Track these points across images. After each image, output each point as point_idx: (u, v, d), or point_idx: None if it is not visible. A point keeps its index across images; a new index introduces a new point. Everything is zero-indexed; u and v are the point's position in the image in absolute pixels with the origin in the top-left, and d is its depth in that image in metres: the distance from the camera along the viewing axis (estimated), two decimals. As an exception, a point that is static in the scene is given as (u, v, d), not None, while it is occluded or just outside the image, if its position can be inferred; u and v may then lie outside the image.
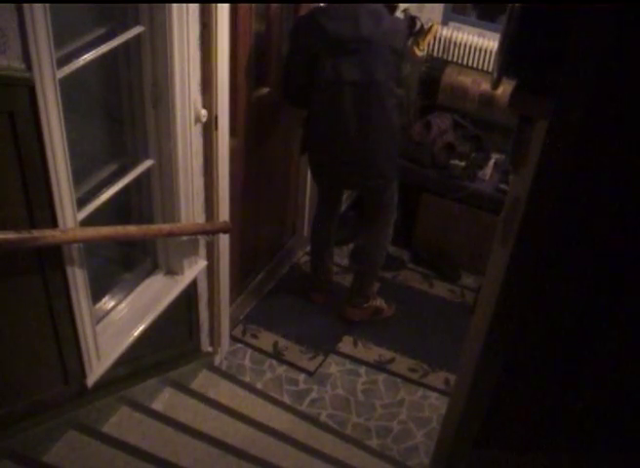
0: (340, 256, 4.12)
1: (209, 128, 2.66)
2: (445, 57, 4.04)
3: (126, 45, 2.30)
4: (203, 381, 3.29)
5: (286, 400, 3.34)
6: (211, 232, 2.91)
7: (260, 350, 3.57)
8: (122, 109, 2.49)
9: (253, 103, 3.17)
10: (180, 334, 3.11)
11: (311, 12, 3.10)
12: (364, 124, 3.15)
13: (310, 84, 3.14)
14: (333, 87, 3.10)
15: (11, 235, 1.96)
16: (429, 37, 3.89)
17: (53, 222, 2.09)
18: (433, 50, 4.04)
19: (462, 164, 3.88)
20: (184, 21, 2.30)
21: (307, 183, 3.91)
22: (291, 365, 3.51)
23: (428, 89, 4.04)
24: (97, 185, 2.41)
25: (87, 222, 2.28)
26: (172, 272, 2.88)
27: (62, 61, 2.00)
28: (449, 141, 3.89)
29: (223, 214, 2.95)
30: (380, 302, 3.78)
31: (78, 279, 2.27)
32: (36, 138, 1.92)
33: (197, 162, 2.68)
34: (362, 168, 3.29)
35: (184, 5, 2.28)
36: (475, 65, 3.97)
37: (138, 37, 2.30)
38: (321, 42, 3.04)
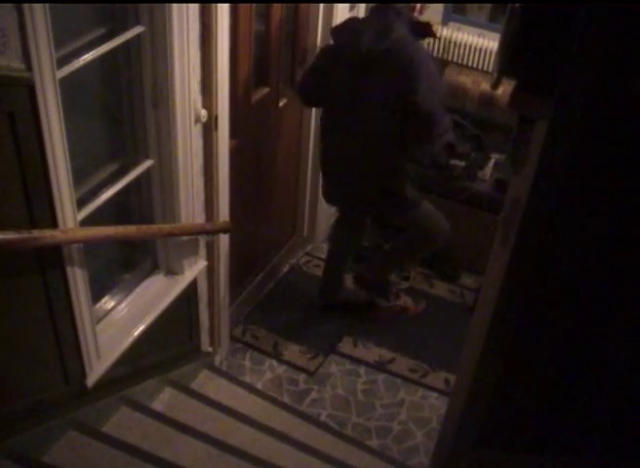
0: (340, 256, 4.12)
1: (209, 128, 2.66)
2: (445, 57, 4.04)
3: (126, 45, 2.30)
4: (203, 381, 3.29)
5: (286, 400, 3.34)
6: (211, 232, 2.91)
7: (260, 350, 3.57)
8: (122, 109, 2.49)
9: (253, 103, 3.17)
10: (180, 334, 3.11)
11: (343, 21, 3.11)
12: (351, 142, 3.11)
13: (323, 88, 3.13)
14: (332, 97, 3.09)
15: (11, 235, 1.96)
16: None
17: (53, 222, 2.09)
18: (433, 50, 4.04)
19: (462, 164, 3.88)
20: (184, 21, 2.30)
21: (307, 183, 3.91)
22: (291, 365, 3.51)
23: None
24: (97, 185, 2.41)
25: (87, 222, 2.28)
26: (172, 272, 2.88)
27: (62, 61, 2.01)
28: (449, 141, 3.88)
29: (223, 214, 2.95)
30: (404, 301, 3.78)
31: (78, 279, 2.27)
32: (36, 138, 1.92)
33: (197, 162, 2.68)
34: (346, 186, 3.29)
35: (184, 5, 2.28)
36: (475, 65, 3.97)
37: (138, 37, 2.30)
38: (330, 55, 3.04)
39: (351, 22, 3.05)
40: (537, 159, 1.12)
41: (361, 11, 3.61)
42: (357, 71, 2.95)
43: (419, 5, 3.06)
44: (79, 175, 2.23)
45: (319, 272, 4.00)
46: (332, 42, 3.10)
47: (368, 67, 2.93)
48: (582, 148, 1.09)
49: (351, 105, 3.02)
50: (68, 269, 2.22)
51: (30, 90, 1.84)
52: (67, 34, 2.09)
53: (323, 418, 3.29)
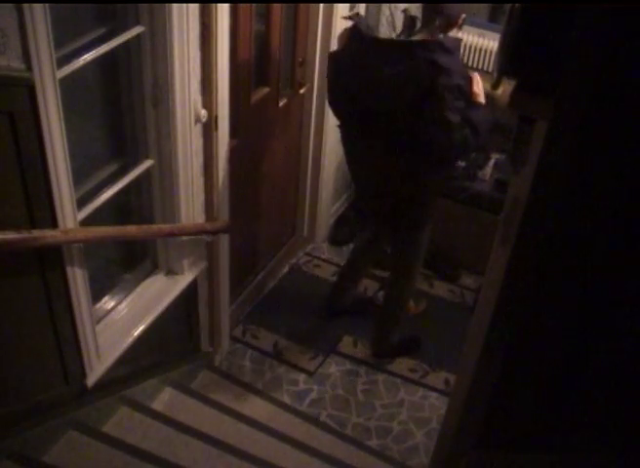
0: (341, 257, 4.11)
1: (209, 128, 2.66)
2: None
3: (126, 45, 2.30)
4: (203, 381, 3.29)
5: (286, 400, 3.34)
6: (211, 232, 2.91)
7: (260, 350, 3.57)
8: (122, 110, 2.49)
9: (253, 103, 3.17)
10: (179, 334, 3.12)
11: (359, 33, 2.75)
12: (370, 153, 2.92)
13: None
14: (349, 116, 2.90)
15: (11, 235, 1.96)
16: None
17: (53, 222, 2.09)
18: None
19: (462, 164, 3.88)
20: (184, 21, 2.30)
21: (307, 183, 3.91)
22: (291, 365, 3.51)
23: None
24: (97, 185, 2.42)
25: (87, 222, 2.28)
26: (172, 272, 2.88)
27: (62, 61, 2.01)
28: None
29: (223, 214, 2.95)
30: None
31: (78, 279, 2.27)
32: (36, 138, 1.92)
33: (197, 162, 2.68)
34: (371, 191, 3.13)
35: (184, 5, 2.28)
36: (475, 65, 3.97)
37: (138, 37, 2.30)
38: (335, 64, 2.85)
39: (364, 57, 2.69)
40: (537, 159, 1.12)
41: (361, 11, 3.61)
42: (365, 92, 2.72)
43: (461, 18, 2.74)
44: (79, 175, 2.23)
45: (319, 272, 4.01)
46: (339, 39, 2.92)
47: (375, 93, 2.68)
48: (582, 148, 1.09)
49: (358, 116, 2.83)
50: (68, 269, 2.22)
51: (30, 90, 1.84)
52: (67, 34, 2.09)
53: (323, 418, 3.29)
